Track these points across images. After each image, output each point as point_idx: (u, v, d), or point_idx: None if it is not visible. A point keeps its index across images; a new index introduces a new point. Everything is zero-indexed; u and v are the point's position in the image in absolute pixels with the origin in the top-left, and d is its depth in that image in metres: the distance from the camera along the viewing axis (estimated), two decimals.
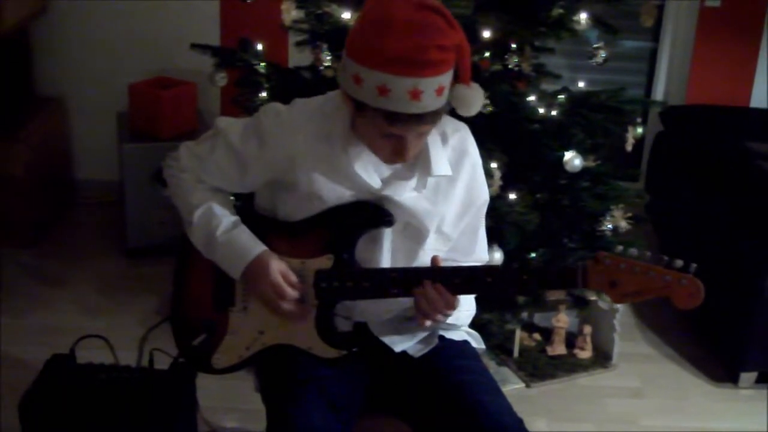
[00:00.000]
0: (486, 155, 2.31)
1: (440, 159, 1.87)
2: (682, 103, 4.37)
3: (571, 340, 3.31)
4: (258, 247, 1.89)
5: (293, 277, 1.88)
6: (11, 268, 3.66)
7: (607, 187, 2.86)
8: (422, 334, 1.97)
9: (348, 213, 1.87)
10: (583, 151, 2.76)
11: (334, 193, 1.87)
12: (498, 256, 2.65)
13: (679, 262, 1.68)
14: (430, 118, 1.74)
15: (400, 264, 1.91)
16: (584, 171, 2.78)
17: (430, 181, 1.88)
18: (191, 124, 3.92)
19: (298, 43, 2.96)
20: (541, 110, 2.73)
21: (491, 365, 3.10)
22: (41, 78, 4.20)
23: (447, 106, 1.78)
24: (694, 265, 1.68)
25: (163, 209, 3.52)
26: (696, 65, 4.35)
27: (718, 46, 4.29)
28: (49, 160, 4.04)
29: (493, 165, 2.60)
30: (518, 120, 2.73)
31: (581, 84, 2.97)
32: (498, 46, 2.70)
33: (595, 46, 2.72)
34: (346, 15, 2.65)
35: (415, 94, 1.67)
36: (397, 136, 1.76)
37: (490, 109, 2.60)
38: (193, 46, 3.04)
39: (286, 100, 1.95)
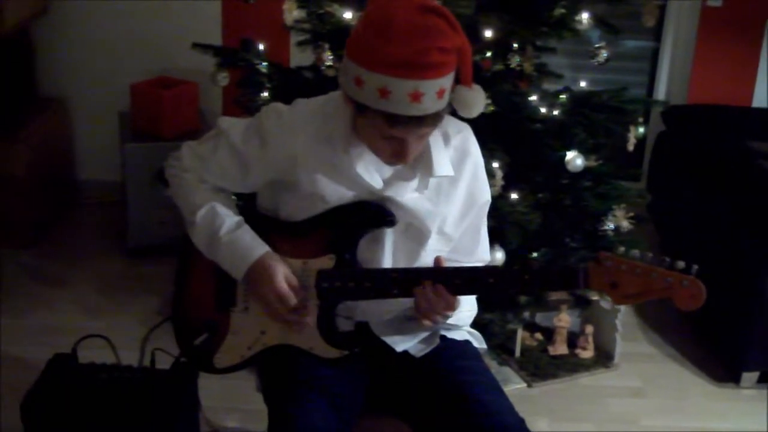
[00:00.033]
0: (488, 155, 2.31)
1: (442, 159, 1.87)
2: (683, 103, 4.37)
3: (572, 340, 3.31)
4: (261, 248, 1.89)
5: (295, 282, 1.88)
6: (12, 268, 3.66)
7: (609, 186, 2.86)
8: (424, 334, 1.96)
9: (350, 213, 1.87)
10: (584, 151, 2.76)
11: (335, 193, 1.87)
12: (500, 256, 2.65)
13: (681, 264, 1.68)
14: (431, 121, 1.74)
15: (402, 264, 1.91)
16: (586, 171, 2.78)
17: (432, 181, 1.88)
18: (193, 124, 3.92)
19: (300, 43, 2.96)
20: (543, 110, 2.73)
21: (493, 365, 3.10)
22: (43, 78, 4.20)
23: (448, 107, 1.78)
24: (696, 267, 1.68)
25: (164, 209, 3.52)
26: (698, 65, 4.36)
27: (720, 45, 4.29)
28: (51, 160, 4.04)
29: (495, 165, 2.60)
30: (520, 120, 2.73)
31: (583, 84, 2.97)
32: (500, 46, 2.70)
33: (596, 45, 2.73)
34: (348, 15, 2.65)
35: (416, 97, 1.67)
36: (398, 138, 1.75)
37: (492, 108, 2.60)
38: (195, 45, 3.04)
39: (287, 100, 1.95)
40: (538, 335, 3.36)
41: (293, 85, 2.92)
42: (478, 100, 1.83)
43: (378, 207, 1.87)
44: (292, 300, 1.85)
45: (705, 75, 4.34)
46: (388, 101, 1.68)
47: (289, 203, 1.92)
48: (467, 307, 1.98)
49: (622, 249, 1.73)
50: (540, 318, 3.39)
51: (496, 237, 2.54)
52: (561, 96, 2.79)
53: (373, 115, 1.72)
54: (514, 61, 2.70)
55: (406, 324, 1.95)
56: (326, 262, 1.88)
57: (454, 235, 1.96)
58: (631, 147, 2.81)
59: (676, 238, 3.77)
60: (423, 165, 1.87)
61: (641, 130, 2.82)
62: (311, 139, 1.85)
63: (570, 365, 3.25)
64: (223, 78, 3.03)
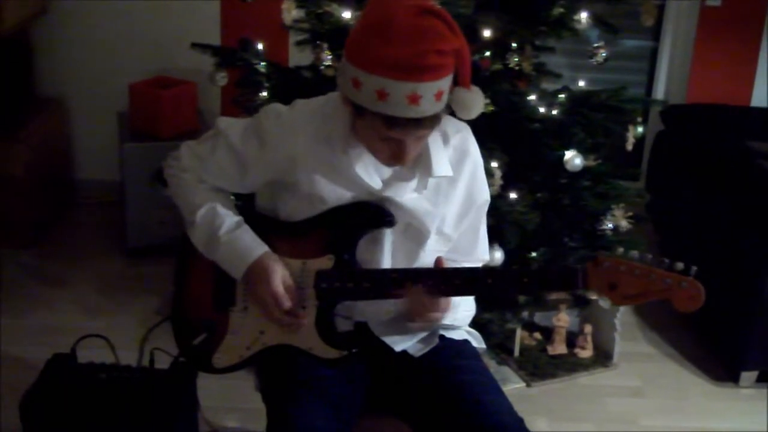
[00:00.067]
0: (486, 154, 2.31)
1: (441, 159, 1.87)
2: (682, 102, 4.37)
3: (571, 340, 3.31)
4: (260, 248, 1.89)
5: (292, 284, 1.88)
6: (11, 268, 3.66)
7: (608, 186, 2.86)
8: (422, 334, 1.96)
9: (349, 213, 1.87)
10: (583, 151, 2.76)
11: (334, 194, 1.87)
12: (498, 256, 2.65)
13: (680, 265, 1.68)
14: (429, 123, 1.73)
15: (401, 265, 1.91)
16: (585, 170, 2.78)
17: (431, 181, 1.88)
18: (192, 123, 3.91)
19: (299, 43, 2.95)
20: (542, 109, 2.73)
21: (492, 364, 3.10)
22: (41, 78, 4.20)
23: (447, 109, 1.78)
24: (695, 268, 1.68)
25: (163, 209, 3.52)
26: (696, 64, 4.36)
27: (719, 45, 4.30)
28: (50, 160, 4.04)
29: (494, 164, 2.60)
30: (519, 119, 2.73)
31: (582, 83, 2.97)
32: (498, 46, 2.70)
33: (595, 45, 2.72)
34: (347, 14, 2.64)
35: (414, 99, 1.67)
36: (396, 140, 1.75)
37: (490, 108, 2.60)
38: (194, 45, 3.04)
39: (286, 100, 1.95)
40: (537, 335, 3.36)
41: (292, 84, 2.92)
42: (476, 102, 1.83)
43: (377, 207, 1.87)
44: (287, 302, 1.86)
45: (704, 74, 4.35)
46: (386, 103, 1.68)
47: (288, 203, 1.92)
48: (464, 307, 1.98)
49: (620, 250, 1.73)
50: (539, 317, 3.40)
51: (495, 236, 2.54)
52: (560, 95, 2.79)
53: (372, 117, 1.72)
54: (513, 60, 2.70)
55: (404, 324, 1.94)
56: (325, 262, 1.88)
57: (453, 235, 1.96)
58: (629, 146, 2.81)
59: (675, 238, 3.77)
60: (422, 165, 1.87)
61: (640, 129, 2.82)
62: (310, 139, 1.85)
63: (569, 365, 3.25)
64: (222, 78, 3.03)
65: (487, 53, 2.74)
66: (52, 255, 3.81)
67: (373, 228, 1.88)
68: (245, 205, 2.04)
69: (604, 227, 2.85)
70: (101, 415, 2.03)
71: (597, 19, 2.69)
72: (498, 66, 2.77)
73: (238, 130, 1.93)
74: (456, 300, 1.90)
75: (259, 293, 1.88)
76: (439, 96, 1.70)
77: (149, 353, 2.13)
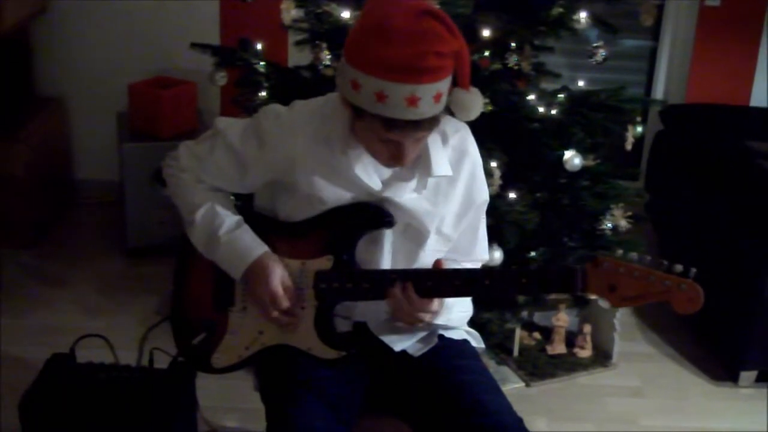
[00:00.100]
0: (486, 154, 2.31)
1: (440, 159, 1.87)
2: (681, 102, 4.37)
3: (571, 339, 3.31)
4: (260, 248, 1.89)
5: (290, 285, 1.88)
6: (11, 268, 3.66)
7: (607, 186, 2.86)
8: (422, 334, 1.96)
9: (348, 214, 1.87)
10: (582, 150, 2.76)
11: (334, 194, 1.87)
12: (498, 256, 2.65)
13: (679, 267, 1.68)
14: (428, 125, 1.73)
15: (401, 265, 1.91)
16: (584, 170, 2.78)
17: (431, 181, 1.88)
18: (191, 123, 3.92)
19: (298, 43, 2.96)
20: (541, 109, 2.73)
21: (491, 364, 3.10)
22: (41, 78, 4.20)
23: (446, 110, 1.78)
24: (694, 270, 1.68)
25: (163, 209, 3.52)
26: (696, 64, 4.35)
27: (718, 45, 4.29)
28: (49, 160, 4.04)
29: (493, 164, 2.60)
30: (518, 119, 2.73)
31: (581, 83, 2.97)
32: (498, 45, 2.70)
33: (594, 45, 2.72)
34: (346, 14, 2.65)
35: (413, 101, 1.67)
36: (395, 142, 1.75)
37: (490, 108, 2.60)
38: (193, 45, 3.05)
39: (285, 100, 1.95)
40: (537, 334, 3.36)
41: (291, 84, 2.92)
42: (475, 104, 1.83)
43: (376, 208, 1.87)
44: (284, 303, 1.86)
45: (703, 74, 4.34)
46: (384, 105, 1.67)
47: (287, 204, 1.92)
48: (459, 308, 1.98)
49: (620, 252, 1.73)
50: (538, 317, 3.40)
51: (494, 236, 2.54)
52: (559, 95, 2.79)
53: (371, 119, 1.72)
54: (512, 60, 2.70)
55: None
56: (324, 262, 1.88)
57: (453, 235, 1.96)
58: (629, 146, 2.81)
59: (675, 238, 3.77)
60: (421, 165, 1.87)
61: (639, 129, 2.82)
62: (309, 140, 1.85)
63: (568, 364, 3.25)
64: (221, 78, 3.03)
65: (486, 53, 2.74)
66: (52, 255, 3.81)
67: (372, 228, 1.88)
68: (244, 205, 2.04)
69: (604, 227, 2.85)
70: (100, 415, 2.03)
71: (596, 19, 2.70)
72: (497, 66, 2.77)
73: (237, 130, 1.93)
74: (449, 301, 1.90)
75: (257, 293, 1.88)
76: (438, 98, 1.70)
77: (148, 353, 2.13)
